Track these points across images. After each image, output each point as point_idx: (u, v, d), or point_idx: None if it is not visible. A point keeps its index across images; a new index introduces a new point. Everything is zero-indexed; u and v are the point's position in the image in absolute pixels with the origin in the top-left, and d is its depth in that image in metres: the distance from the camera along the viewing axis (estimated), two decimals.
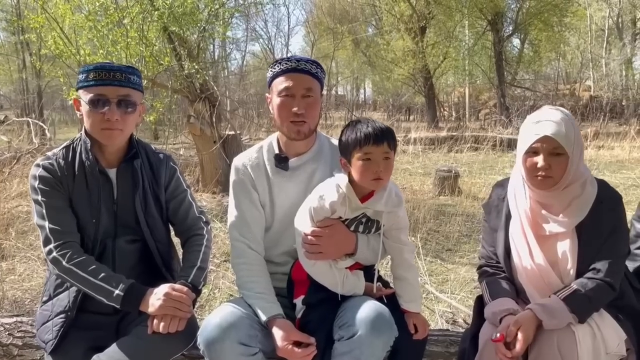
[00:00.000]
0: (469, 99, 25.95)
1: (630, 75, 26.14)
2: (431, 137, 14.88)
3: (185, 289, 1.73)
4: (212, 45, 20.91)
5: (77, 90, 1.85)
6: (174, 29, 7.76)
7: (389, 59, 23.57)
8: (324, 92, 1.93)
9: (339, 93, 38.63)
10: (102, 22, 7.65)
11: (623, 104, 24.24)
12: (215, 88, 8.34)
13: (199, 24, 8.31)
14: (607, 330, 1.61)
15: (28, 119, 12.15)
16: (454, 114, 27.13)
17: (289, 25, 45.64)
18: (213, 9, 8.24)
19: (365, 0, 25.59)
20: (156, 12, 7.54)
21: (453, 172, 7.85)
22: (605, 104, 22.48)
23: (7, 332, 2.03)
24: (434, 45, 22.25)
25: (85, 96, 1.79)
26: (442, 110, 26.07)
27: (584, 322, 1.59)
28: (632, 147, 13.46)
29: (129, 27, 7.49)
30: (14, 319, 2.11)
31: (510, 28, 23.87)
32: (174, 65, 7.99)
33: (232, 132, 8.19)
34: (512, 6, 23.84)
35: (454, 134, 15.25)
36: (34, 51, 18.90)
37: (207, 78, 8.29)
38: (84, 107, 1.80)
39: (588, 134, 14.54)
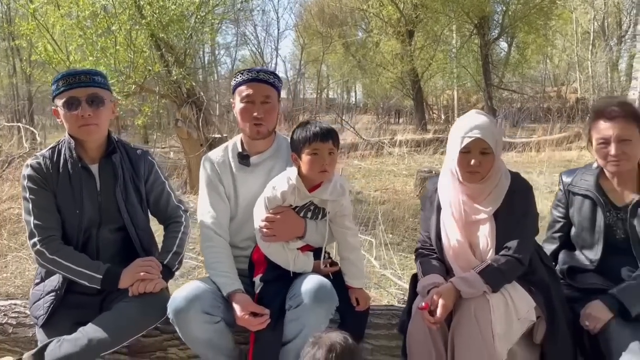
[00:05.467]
0: (458, 101, 26.26)
1: (616, 77, 26.56)
2: (417, 139, 15.13)
3: (152, 259, 2.01)
4: (201, 51, 21.19)
5: (53, 100, 2.11)
6: (162, 36, 7.99)
7: (378, 62, 23.83)
8: (282, 97, 2.21)
9: (330, 97, 38.88)
10: (91, 29, 7.87)
11: None
12: (201, 92, 8.59)
13: (185, 31, 8.55)
14: (519, 299, 1.88)
15: (19, 124, 12.35)
16: (442, 116, 27.43)
17: (278, 30, 45.87)
18: (200, 16, 8.49)
19: (353, 4, 25.87)
20: (144, 20, 7.77)
21: (434, 172, 8.15)
22: (591, 106, 22.83)
23: (2, 313, 2.26)
24: (422, 49, 22.53)
25: (59, 102, 2.04)
26: (431, 113, 26.36)
27: (497, 291, 1.86)
28: None
29: (117, 34, 7.71)
30: (9, 301, 2.34)
31: (497, 31, 24.19)
32: (161, 71, 8.23)
33: (219, 135, 8.43)
34: (498, 10, 24.20)
35: (439, 136, 15.49)
36: (24, 57, 19.01)
37: (193, 83, 8.53)
38: (61, 112, 2.05)
39: (571, 135, 14.84)
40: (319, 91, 31.91)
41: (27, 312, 2.24)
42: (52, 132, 20.77)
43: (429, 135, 16.16)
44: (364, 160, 12.79)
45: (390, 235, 5.52)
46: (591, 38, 26.35)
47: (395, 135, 16.46)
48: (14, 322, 2.23)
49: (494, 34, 23.91)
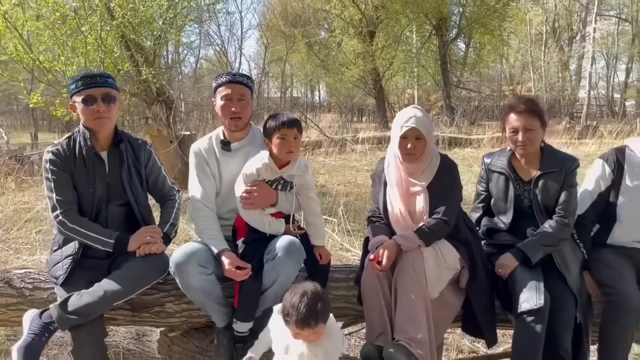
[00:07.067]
0: (418, 100, 26.98)
1: (567, 77, 27.88)
2: (379, 137, 15.70)
3: (156, 227, 2.48)
4: (165, 51, 21.28)
5: (71, 97, 2.52)
6: (132, 37, 8.26)
7: (340, 62, 24.32)
8: (254, 95, 2.69)
9: (294, 95, 39.23)
10: (61, 30, 8.07)
11: (561, 103, 25.90)
12: (171, 92, 8.92)
13: (154, 32, 8.85)
14: (446, 252, 2.41)
15: None
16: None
17: (241, 29, 46.03)
18: (168, 19, 8.80)
19: (316, 4, 26.28)
20: (114, 22, 8.04)
21: None
22: (543, 104, 23.99)
23: (20, 279, 2.64)
24: (383, 49, 23.12)
25: (78, 99, 2.46)
26: (392, 111, 27.03)
27: (429, 245, 2.37)
28: (560, 144, 14.68)
29: (87, 35, 7.95)
30: (24, 270, 2.73)
31: (454, 32, 25.02)
32: (131, 71, 8.51)
33: (188, 133, 8.78)
34: (455, 11, 25.03)
35: None
36: None
37: (163, 82, 8.84)
38: (79, 107, 2.46)
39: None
40: (283, 90, 32.27)
41: (41, 277, 2.65)
42: (11, 132, 20.50)
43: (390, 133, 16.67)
44: (328, 157, 13.33)
45: (352, 224, 6.06)
46: (544, 39, 27.59)
47: (358, 133, 17.08)
48: (30, 287, 2.63)
49: (451, 34, 24.71)
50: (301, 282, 2.00)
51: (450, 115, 21.12)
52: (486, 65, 28.87)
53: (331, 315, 2.02)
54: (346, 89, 27.92)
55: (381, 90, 23.37)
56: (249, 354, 2.16)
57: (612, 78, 31.81)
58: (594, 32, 23.62)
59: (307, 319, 1.85)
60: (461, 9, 24.37)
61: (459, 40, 26.44)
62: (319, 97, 41.86)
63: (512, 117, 2.58)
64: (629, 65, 31.39)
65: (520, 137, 2.54)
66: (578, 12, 28.71)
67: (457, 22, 24.76)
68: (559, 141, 15.22)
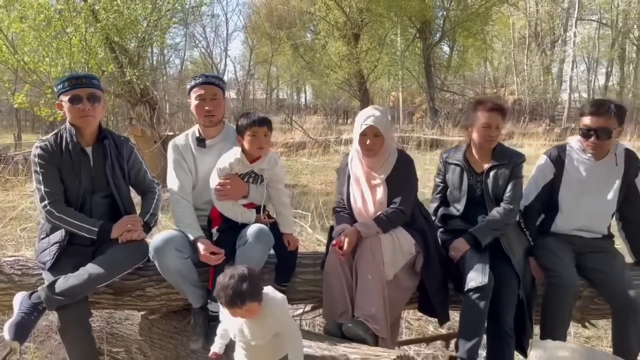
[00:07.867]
0: (403, 102, 27.33)
1: (550, 80, 28.42)
2: None
3: (137, 216, 2.69)
4: (150, 52, 21.35)
5: (57, 96, 2.71)
6: (116, 39, 8.42)
7: (325, 64, 24.56)
8: (232, 98, 2.92)
9: (280, 97, 39.41)
10: (46, 32, 8.21)
11: (542, 106, 26.41)
12: (155, 93, 9.09)
13: (138, 34, 9.01)
14: (403, 238, 2.65)
15: None
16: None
17: (227, 31, 46.15)
18: (152, 21, 8.97)
19: (301, 7, 26.49)
20: (99, 24, 8.19)
21: None
22: (525, 106, 24.52)
23: (9, 266, 2.82)
24: (368, 52, 23.40)
25: (65, 98, 2.66)
26: None
27: (386, 232, 2.61)
28: (540, 145, 15.04)
29: (72, 37, 8.09)
30: (12, 258, 2.92)
31: (438, 35, 25.39)
32: (115, 72, 8.66)
33: (172, 133, 8.95)
34: (439, 15, 25.39)
35: None
36: None
37: (147, 84, 9.01)
38: (66, 105, 2.66)
39: (504, 134, 16.01)
40: (268, 92, 32.43)
41: (29, 264, 2.84)
42: None
43: None
44: (312, 158, 13.58)
45: (332, 221, 6.30)
46: (527, 43, 28.05)
47: (341, 134, 17.35)
48: (19, 273, 2.82)
49: (435, 38, 25.05)
50: (234, 266, 2.09)
51: (433, 117, 21.46)
52: (470, 68, 29.30)
53: (271, 289, 2.12)
54: (331, 91, 28.15)
55: (366, 92, 23.63)
56: (212, 351, 2.28)
57: (592, 81, 32.46)
58: (575, 36, 24.13)
59: (233, 299, 1.98)
60: (445, 13, 24.72)
61: (442, 43, 26.80)
62: (305, 99, 42.10)
63: (487, 114, 2.82)
64: (609, 69, 32.04)
65: (492, 132, 2.82)
66: (560, 17, 29.27)
67: (441, 26, 25.09)
68: (537, 142, 15.64)
